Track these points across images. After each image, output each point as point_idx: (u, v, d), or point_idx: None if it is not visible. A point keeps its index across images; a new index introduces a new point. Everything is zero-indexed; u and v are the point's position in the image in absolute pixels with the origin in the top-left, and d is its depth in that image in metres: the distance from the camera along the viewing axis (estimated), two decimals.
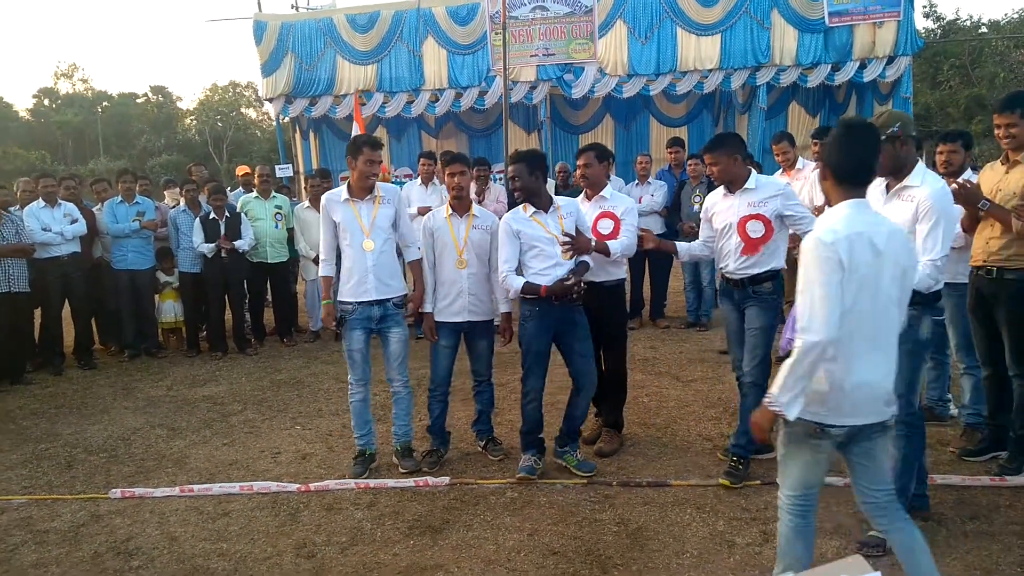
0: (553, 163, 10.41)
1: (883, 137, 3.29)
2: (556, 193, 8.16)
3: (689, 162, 8.21)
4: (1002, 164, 4.29)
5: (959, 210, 3.60)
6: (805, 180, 6.79)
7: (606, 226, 4.77)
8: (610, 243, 4.63)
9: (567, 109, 16.85)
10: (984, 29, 28.60)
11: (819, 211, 5.47)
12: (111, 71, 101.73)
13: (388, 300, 4.63)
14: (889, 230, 2.74)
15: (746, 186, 4.38)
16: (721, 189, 4.54)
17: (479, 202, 7.98)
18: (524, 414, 4.59)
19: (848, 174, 2.77)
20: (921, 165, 3.67)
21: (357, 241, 4.57)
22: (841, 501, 3.92)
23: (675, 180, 8.62)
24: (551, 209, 4.55)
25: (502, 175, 10.86)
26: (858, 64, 14.46)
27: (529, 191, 4.47)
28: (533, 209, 4.52)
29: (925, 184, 3.55)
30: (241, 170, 9.77)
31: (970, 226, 4.45)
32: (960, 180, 4.34)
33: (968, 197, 4.18)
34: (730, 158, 4.38)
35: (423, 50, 15.55)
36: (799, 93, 15.84)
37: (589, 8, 14.38)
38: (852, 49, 14.45)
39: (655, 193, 8.48)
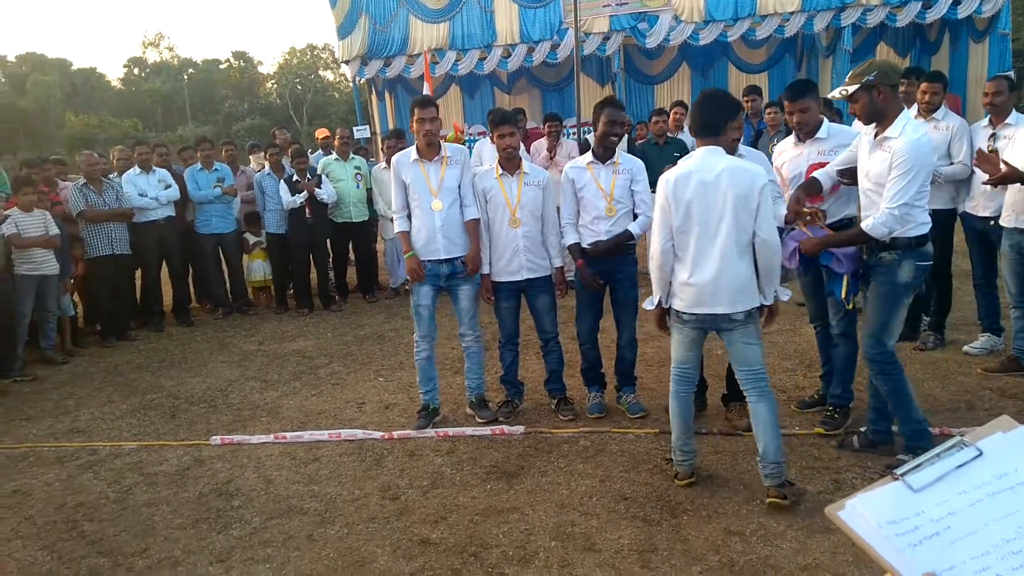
0: (628, 115, 10.31)
1: (858, 85, 3.67)
2: (629, 149, 8.15)
3: (767, 110, 7.99)
4: None
5: (929, 162, 3.59)
6: None
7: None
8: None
9: (641, 59, 16.56)
10: None
11: None
12: (195, 39, 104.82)
13: (456, 259, 4.75)
14: (724, 168, 3.49)
15: (817, 135, 4.32)
16: (791, 138, 4.50)
17: (551, 158, 8.04)
18: (582, 354, 4.94)
19: (700, 129, 3.67)
20: (905, 114, 3.69)
21: (426, 202, 4.69)
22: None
23: (752, 129, 8.42)
24: (608, 163, 4.61)
25: (572, 130, 10.83)
26: (951, 0, 13.67)
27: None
28: (591, 158, 4.62)
29: (903, 135, 3.60)
30: (321, 133, 10.05)
31: None
32: None
33: None
34: (815, 104, 4.36)
35: (494, 5, 15.49)
36: (887, 33, 15.13)
37: None
38: None
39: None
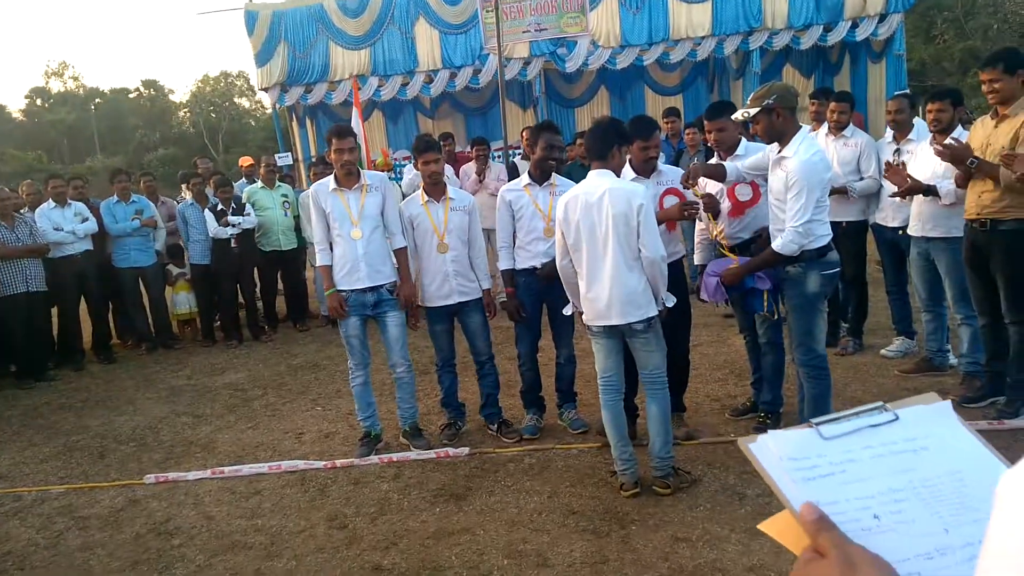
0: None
1: (759, 108, 3.90)
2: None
3: (687, 131, 8.31)
4: (991, 119, 4.42)
5: (819, 179, 3.85)
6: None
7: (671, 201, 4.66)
8: None
9: (562, 83, 16.87)
10: None
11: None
12: (101, 68, 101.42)
13: (381, 287, 4.74)
14: (607, 189, 3.76)
15: (737, 152, 4.56)
16: (714, 158, 4.72)
17: (480, 181, 8.13)
18: (521, 375, 5.01)
19: (590, 153, 3.95)
20: (800, 134, 3.95)
21: (346, 230, 4.67)
22: None
23: (672, 150, 8.72)
24: (545, 184, 4.74)
25: (500, 154, 10.97)
26: (850, 24, 14.46)
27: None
28: (528, 180, 4.73)
29: (795, 156, 3.86)
30: (244, 161, 9.90)
31: (963, 182, 4.59)
32: (948, 140, 4.49)
33: (956, 155, 4.33)
34: (731, 124, 4.59)
35: (415, 32, 15.56)
36: (793, 56, 15.84)
37: None
38: (843, 8, 14.44)
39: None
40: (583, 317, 4.04)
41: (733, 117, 4.34)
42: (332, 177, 4.77)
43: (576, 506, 3.91)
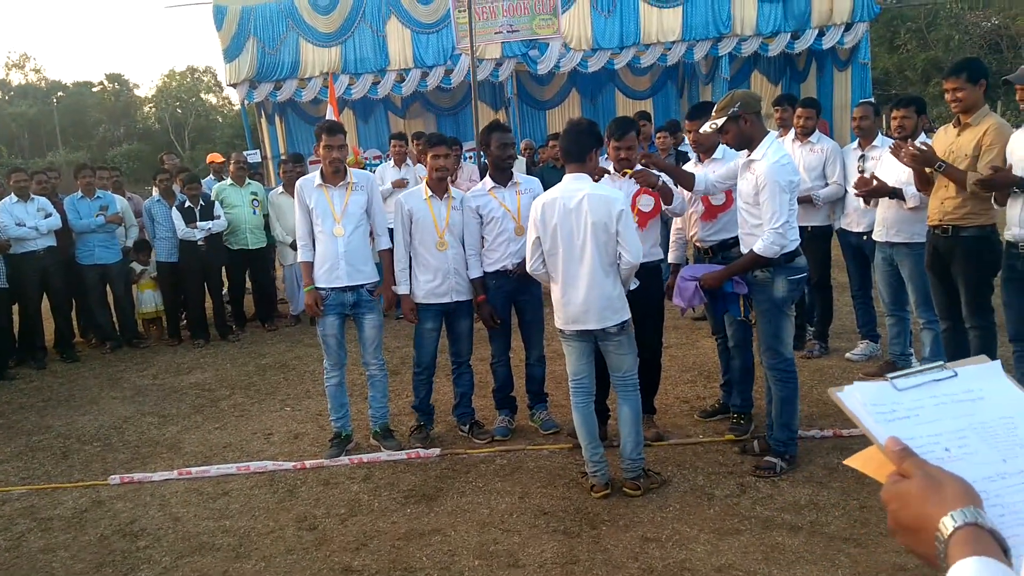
0: (520, 139, 10.54)
1: (726, 118, 3.92)
2: (527, 171, 8.35)
3: (657, 135, 8.37)
4: (954, 127, 4.53)
5: (788, 182, 3.90)
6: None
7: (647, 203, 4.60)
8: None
9: (533, 85, 16.94)
10: None
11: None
12: (64, 61, 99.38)
13: (361, 286, 4.71)
14: (585, 195, 3.76)
15: (714, 156, 4.60)
16: (693, 158, 4.76)
17: (452, 182, 8.11)
18: (493, 374, 5.02)
19: (566, 155, 3.97)
20: (768, 138, 4.01)
21: (328, 227, 4.64)
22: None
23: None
24: (510, 184, 4.75)
25: (472, 154, 10.97)
26: (817, 32, 14.75)
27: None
28: (492, 184, 4.74)
29: (764, 159, 3.92)
30: (214, 158, 9.77)
31: (923, 187, 4.70)
32: (916, 143, 4.59)
33: (923, 160, 4.42)
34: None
35: (386, 30, 15.52)
36: (761, 62, 16.10)
37: None
38: (811, 17, 14.72)
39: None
40: (556, 321, 4.06)
41: (701, 130, 4.33)
42: (318, 173, 4.72)
43: (547, 507, 3.93)
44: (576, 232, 3.80)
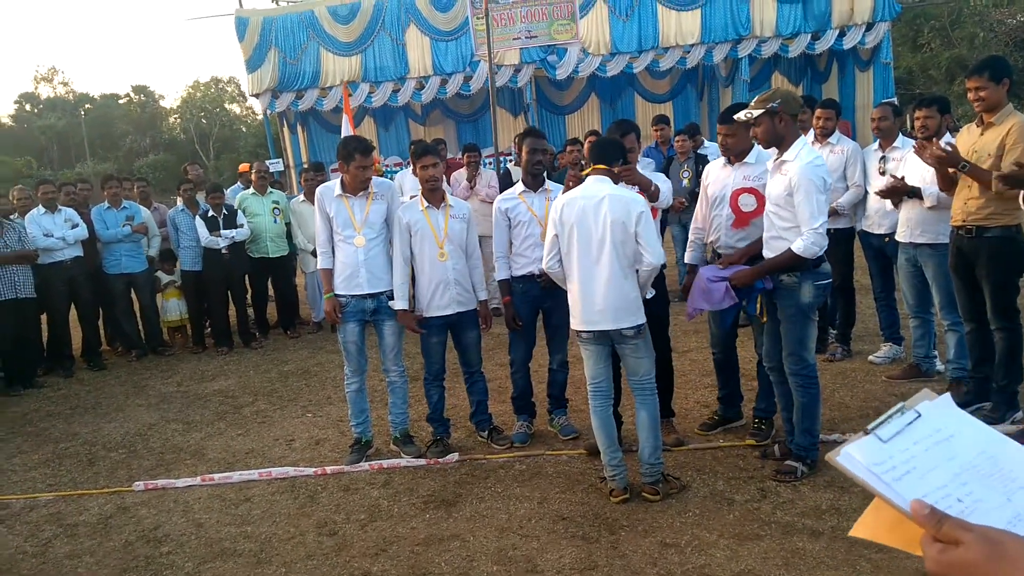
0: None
1: (762, 111, 3.89)
2: (550, 178, 8.33)
3: (676, 138, 8.35)
4: (977, 126, 4.48)
5: (823, 181, 3.83)
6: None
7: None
8: None
9: (552, 90, 16.95)
10: None
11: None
12: (91, 73, 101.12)
13: (381, 293, 4.72)
14: (606, 195, 3.83)
15: (747, 160, 4.46)
16: (721, 160, 4.64)
17: (471, 188, 8.15)
18: (512, 381, 5.02)
19: (593, 158, 4.04)
20: (801, 139, 3.94)
21: (349, 236, 4.66)
22: None
23: (662, 157, 8.76)
24: (540, 190, 4.76)
25: (491, 160, 10.99)
26: (838, 32, 14.60)
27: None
28: (523, 188, 4.75)
29: (797, 159, 3.86)
30: (244, 168, 9.90)
31: (947, 187, 4.64)
32: (941, 143, 4.52)
33: (948, 161, 4.37)
34: (743, 129, 4.39)
35: (406, 38, 15.60)
36: (781, 63, 15.97)
37: None
38: (831, 17, 14.58)
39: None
40: (572, 323, 4.06)
41: (735, 117, 4.18)
42: (338, 182, 4.74)
43: (566, 512, 3.92)
44: (595, 230, 3.83)
